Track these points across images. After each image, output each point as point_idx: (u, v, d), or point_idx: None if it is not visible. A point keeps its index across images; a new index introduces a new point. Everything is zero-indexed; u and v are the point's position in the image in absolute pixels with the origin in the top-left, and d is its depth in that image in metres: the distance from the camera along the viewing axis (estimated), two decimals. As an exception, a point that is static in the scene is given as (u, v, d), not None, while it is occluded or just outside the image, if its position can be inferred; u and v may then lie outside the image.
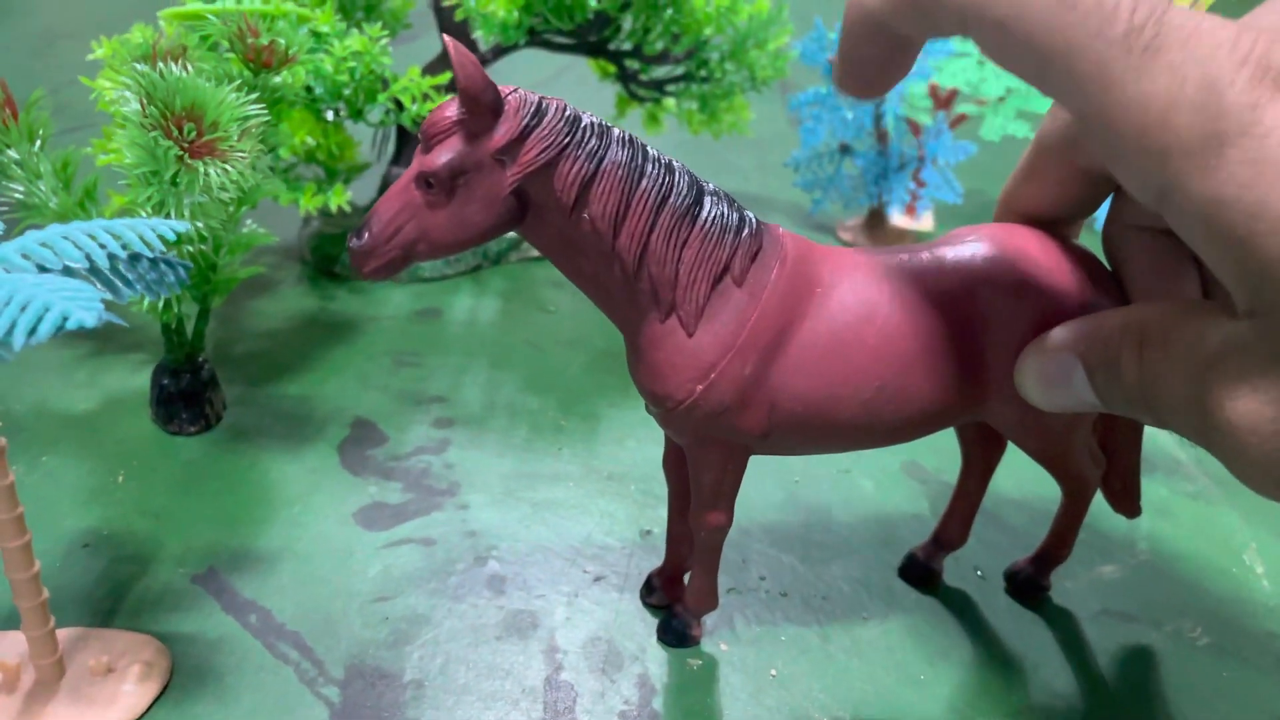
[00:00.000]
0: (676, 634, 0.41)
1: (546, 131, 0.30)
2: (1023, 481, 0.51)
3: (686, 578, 0.42)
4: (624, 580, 0.44)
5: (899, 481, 0.52)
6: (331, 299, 0.65)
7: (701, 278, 0.33)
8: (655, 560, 0.46)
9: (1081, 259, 0.35)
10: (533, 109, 0.30)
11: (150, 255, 0.34)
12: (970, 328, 0.34)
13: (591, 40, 0.66)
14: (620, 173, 0.31)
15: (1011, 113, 0.71)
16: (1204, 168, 0.23)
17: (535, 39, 0.65)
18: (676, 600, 0.41)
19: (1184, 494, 0.52)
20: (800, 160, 0.74)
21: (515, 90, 0.31)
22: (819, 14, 0.75)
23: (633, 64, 0.69)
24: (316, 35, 0.58)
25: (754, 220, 0.33)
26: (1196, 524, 0.50)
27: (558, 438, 0.54)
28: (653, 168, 0.32)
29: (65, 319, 0.27)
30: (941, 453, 0.53)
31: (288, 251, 0.68)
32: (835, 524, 0.49)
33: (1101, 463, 0.40)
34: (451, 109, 0.30)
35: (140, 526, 0.46)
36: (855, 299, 0.33)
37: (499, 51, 0.67)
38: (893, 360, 0.33)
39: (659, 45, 0.68)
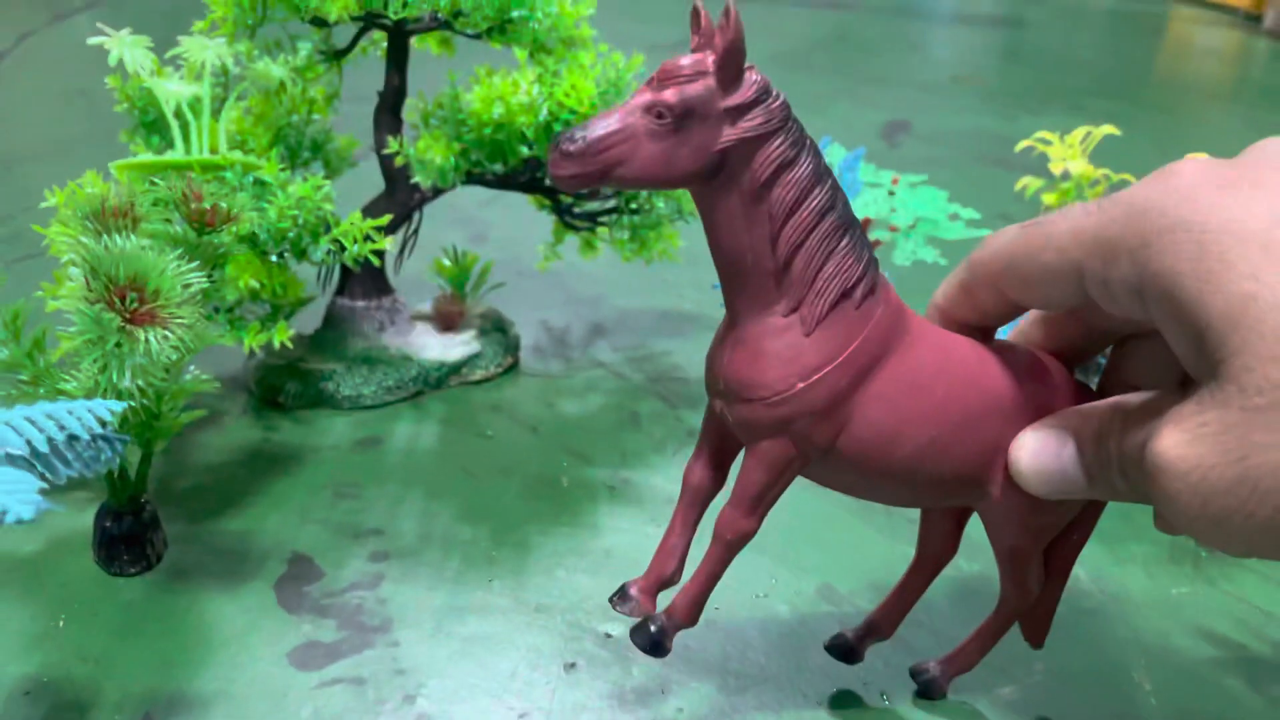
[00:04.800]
0: (653, 640, 0.41)
1: (775, 109, 0.34)
2: (930, 609, 0.54)
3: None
4: (546, 716, 0.47)
5: (813, 605, 0.54)
6: (275, 430, 0.67)
7: (834, 288, 0.36)
8: (578, 694, 0.48)
9: (1082, 387, 0.42)
10: (765, 85, 0.34)
11: (87, 436, 0.36)
12: (1008, 413, 0.39)
13: (524, 180, 0.70)
14: (808, 171, 0.35)
15: (921, 239, 0.76)
16: (1160, 250, 0.30)
17: (471, 179, 0.69)
18: (647, 614, 0.41)
19: (1081, 610, 0.55)
20: (727, 284, 0.78)
21: (751, 65, 0.35)
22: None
23: (566, 199, 0.73)
24: (260, 184, 0.62)
25: (877, 261, 0.38)
26: (1091, 641, 0.53)
27: (489, 569, 0.56)
28: (828, 179, 0.36)
29: (4, 513, 0.29)
30: (855, 576, 0.56)
31: (233, 382, 0.71)
32: (752, 651, 0.51)
33: (1039, 589, 0.44)
34: (699, 59, 0.34)
35: (80, 673, 0.48)
36: (933, 357, 0.39)
37: (438, 191, 0.71)
38: (950, 416, 0.38)
39: (590, 182, 0.72)
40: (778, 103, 0.35)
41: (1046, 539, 0.43)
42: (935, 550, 0.46)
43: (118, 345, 0.44)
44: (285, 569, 0.55)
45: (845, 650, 0.48)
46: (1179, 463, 0.29)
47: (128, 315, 0.44)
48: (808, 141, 0.36)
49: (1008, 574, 0.44)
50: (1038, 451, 0.37)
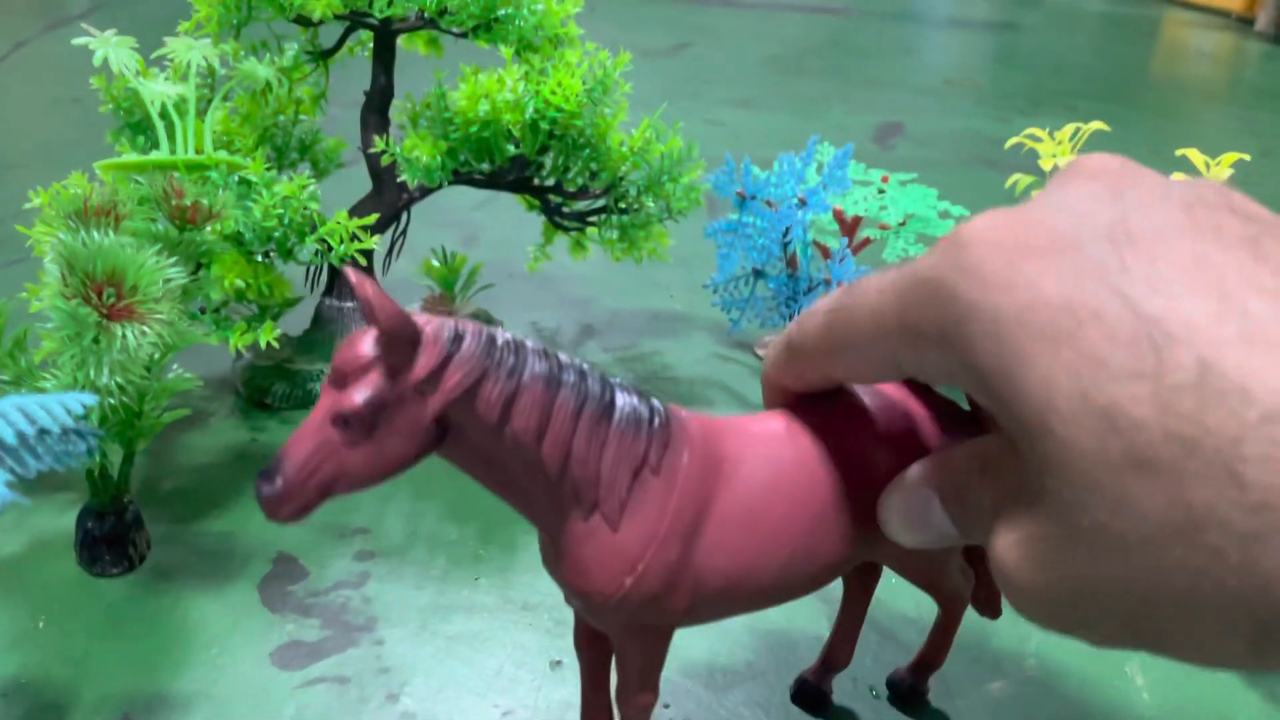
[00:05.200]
0: None
1: (466, 356, 0.31)
2: (918, 601, 0.53)
3: None
4: (532, 714, 0.46)
5: (803, 604, 0.54)
6: (262, 430, 0.67)
7: (622, 474, 0.33)
8: (564, 691, 0.47)
9: (943, 403, 0.38)
10: (451, 336, 0.31)
11: (58, 429, 0.36)
12: (859, 479, 0.36)
13: (513, 179, 0.70)
14: (540, 386, 0.32)
15: (911, 236, 0.75)
16: (960, 347, 0.26)
17: (459, 178, 0.69)
18: None
19: (1073, 606, 0.54)
20: (717, 283, 0.78)
21: (429, 319, 0.31)
22: (728, 149, 0.80)
23: (555, 199, 0.73)
24: (245, 183, 0.61)
25: (661, 409, 0.35)
26: (1083, 637, 0.52)
27: (476, 567, 0.55)
28: (568, 375, 0.33)
29: (-30, 504, 0.29)
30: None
31: (220, 384, 0.70)
32: (740, 649, 0.51)
33: (971, 577, 0.43)
34: (367, 345, 0.30)
35: (59, 674, 0.47)
36: (760, 471, 0.35)
37: (425, 191, 0.71)
38: (801, 523, 0.35)
39: (579, 182, 0.72)
40: (473, 348, 0.31)
41: (956, 552, 0.41)
42: (859, 582, 0.45)
43: (95, 341, 0.44)
44: (270, 569, 0.54)
45: (813, 695, 0.47)
46: (1015, 574, 0.26)
47: (105, 311, 0.43)
48: (525, 354, 0.32)
49: (932, 591, 0.43)
50: (904, 514, 0.33)
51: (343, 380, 0.30)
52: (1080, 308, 0.24)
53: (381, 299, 0.29)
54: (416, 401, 0.30)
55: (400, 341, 0.30)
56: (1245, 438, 0.21)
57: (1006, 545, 0.26)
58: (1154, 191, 0.26)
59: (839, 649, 0.46)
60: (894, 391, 0.37)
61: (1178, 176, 0.30)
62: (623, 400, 0.34)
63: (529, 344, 0.33)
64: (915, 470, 0.33)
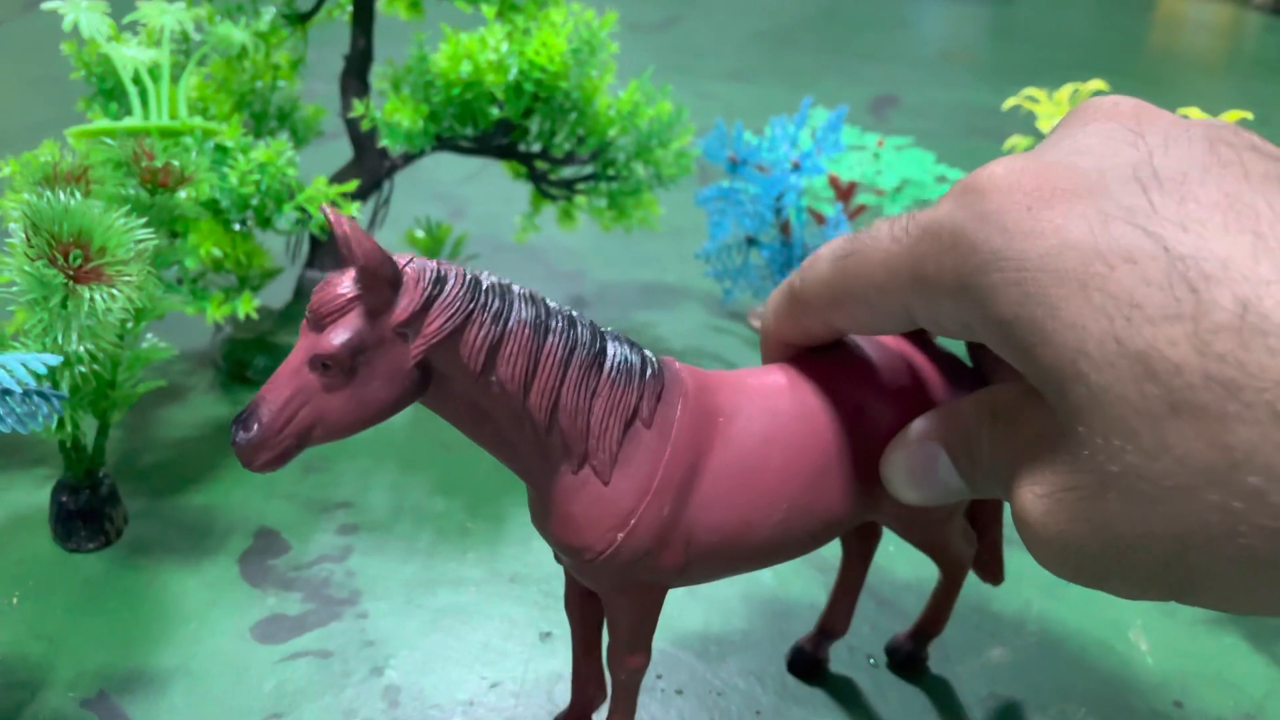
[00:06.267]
0: None
1: (450, 299, 0.29)
2: (917, 567, 0.52)
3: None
4: (520, 685, 0.45)
5: (799, 572, 0.52)
6: (242, 404, 0.65)
7: (613, 425, 0.32)
8: (553, 663, 0.46)
9: (945, 357, 0.37)
10: (433, 277, 0.29)
11: (19, 390, 0.34)
12: (861, 434, 0.34)
13: (498, 144, 0.68)
14: (527, 332, 0.31)
15: (908, 201, 0.74)
16: (981, 296, 0.25)
17: (443, 144, 0.67)
18: None
19: (1074, 572, 0.53)
20: (709, 252, 0.76)
21: (411, 259, 0.30)
22: (720, 115, 0.78)
23: (542, 165, 0.71)
24: (222, 149, 0.60)
25: (654, 359, 0.34)
26: (1084, 603, 0.51)
27: (463, 540, 0.54)
28: (556, 322, 0.31)
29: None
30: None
31: (200, 358, 0.69)
32: (734, 618, 0.49)
33: (973, 541, 0.42)
34: (345, 285, 0.29)
35: (33, 650, 0.46)
36: (756, 424, 0.34)
37: (408, 158, 0.69)
38: (799, 478, 0.34)
39: (566, 147, 0.70)
40: (456, 290, 0.30)
41: (955, 514, 0.39)
42: (858, 547, 0.43)
43: (63, 305, 0.42)
44: (250, 543, 0.53)
45: (809, 663, 0.46)
46: (1043, 528, 0.25)
47: (71, 272, 0.41)
48: (511, 298, 0.31)
49: (933, 554, 0.41)
50: (909, 469, 0.32)
51: (320, 322, 0.29)
52: (1110, 251, 0.23)
53: (359, 235, 0.28)
54: (397, 345, 0.29)
55: (379, 281, 0.28)
56: None
57: (1032, 498, 0.26)
58: (1175, 130, 0.26)
59: (836, 616, 0.45)
60: (895, 344, 0.36)
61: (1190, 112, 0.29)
62: (614, 349, 0.32)
63: (515, 288, 0.31)
64: (920, 424, 0.32)
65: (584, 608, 0.38)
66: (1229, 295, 0.21)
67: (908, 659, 0.46)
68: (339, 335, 0.28)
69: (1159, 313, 0.22)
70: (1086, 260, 0.23)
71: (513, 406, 0.31)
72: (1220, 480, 0.21)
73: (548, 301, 0.32)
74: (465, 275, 0.30)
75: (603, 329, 0.33)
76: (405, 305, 0.29)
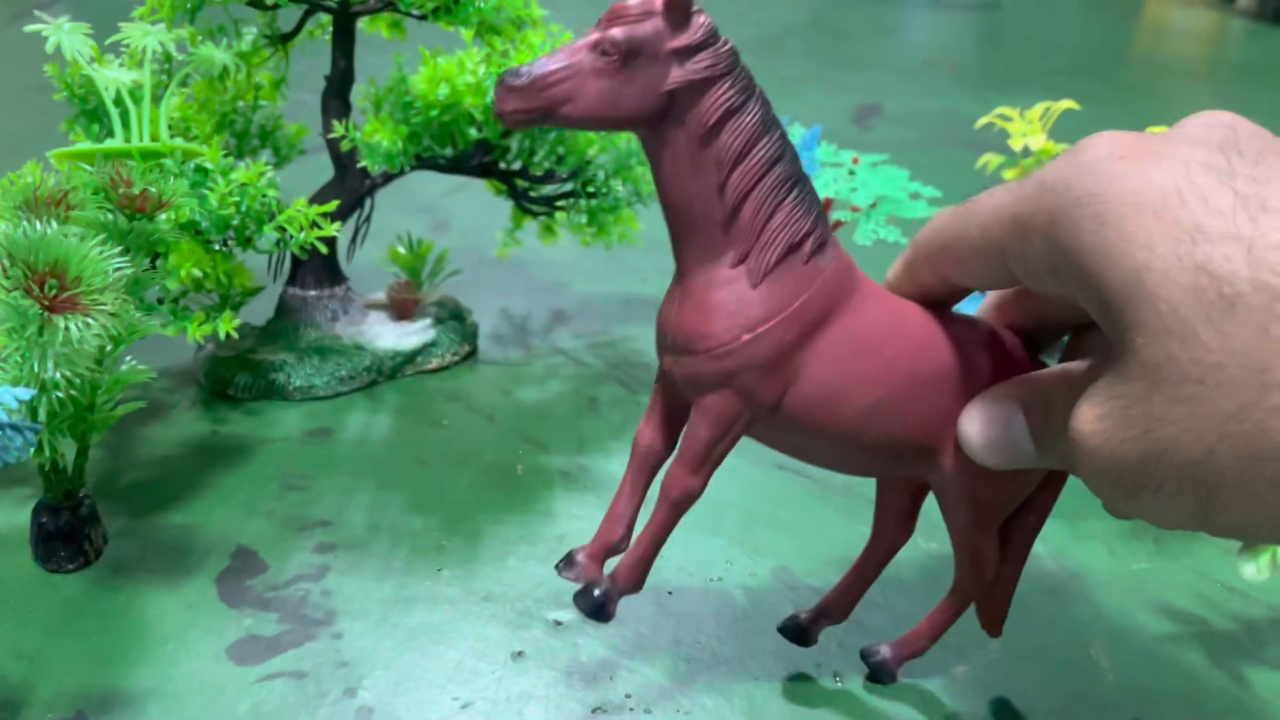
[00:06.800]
0: (596, 604, 0.39)
1: (721, 52, 0.34)
2: (890, 592, 0.53)
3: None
4: (492, 706, 0.46)
5: (769, 589, 0.53)
6: (224, 422, 0.66)
7: (782, 240, 0.36)
8: (524, 682, 0.47)
9: (1035, 357, 0.41)
10: (713, 28, 0.34)
11: (-8, 424, 0.35)
12: (958, 378, 0.38)
13: (478, 164, 0.69)
14: (756, 118, 0.35)
15: (882, 218, 0.75)
16: (1065, 226, 0.29)
17: (423, 164, 0.68)
18: (592, 580, 0.40)
19: (1040, 589, 0.54)
20: (688, 267, 0.77)
21: (702, 10, 0.34)
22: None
23: (522, 183, 0.72)
24: (202, 171, 0.60)
25: (826, 219, 0.38)
26: (1049, 618, 0.52)
27: (439, 559, 0.55)
28: (777, 129, 0.36)
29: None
30: (812, 558, 0.55)
31: (182, 376, 0.69)
32: (704, 635, 0.50)
33: (995, 567, 0.43)
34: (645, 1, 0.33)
35: (12, 670, 0.46)
36: (883, 317, 0.38)
37: (389, 177, 0.70)
38: (898, 378, 0.38)
39: (545, 166, 0.71)
40: (725, 47, 0.34)
41: (1001, 516, 0.42)
42: (891, 530, 0.45)
43: (39, 333, 0.43)
44: (228, 563, 0.54)
45: (798, 632, 0.48)
46: (1091, 438, 0.29)
47: (46, 302, 0.42)
48: (756, 90, 0.35)
49: (963, 554, 0.43)
50: (986, 421, 0.36)
51: (614, 21, 0.33)
52: (1187, 191, 0.27)
53: None
54: (664, 66, 0.34)
55: (679, 7, 0.33)
56: None
57: (1085, 414, 0.29)
58: (1262, 131, 0.30)
59: (841, 600, 0.46)
60: (1006, 335, 0.40)
61: None
62: (805, 186, 0.36)
63: (758, 86, 0.35)
64: (1003, 386, 0.37)
65: (652, 444, 0.40)
66: None
67: (880, 667, 0.46)
68: (627, 30, 0.33)
69: (1220, 234, 0.26)
70: (1165, 195, 0.27)
71: (715, 179, 0.35)
72: (1262, 375, 0.25)
73: (778, 117, 0.36)
74: (731, 44, 0.35)
75: (802, 169, 0.37)
76: (688, 36, 0.34)
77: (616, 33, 0.33)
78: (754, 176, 0.35)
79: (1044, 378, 0.35)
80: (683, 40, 0.34)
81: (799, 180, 0.36)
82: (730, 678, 0.48)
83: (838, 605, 0.47)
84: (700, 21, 0.34)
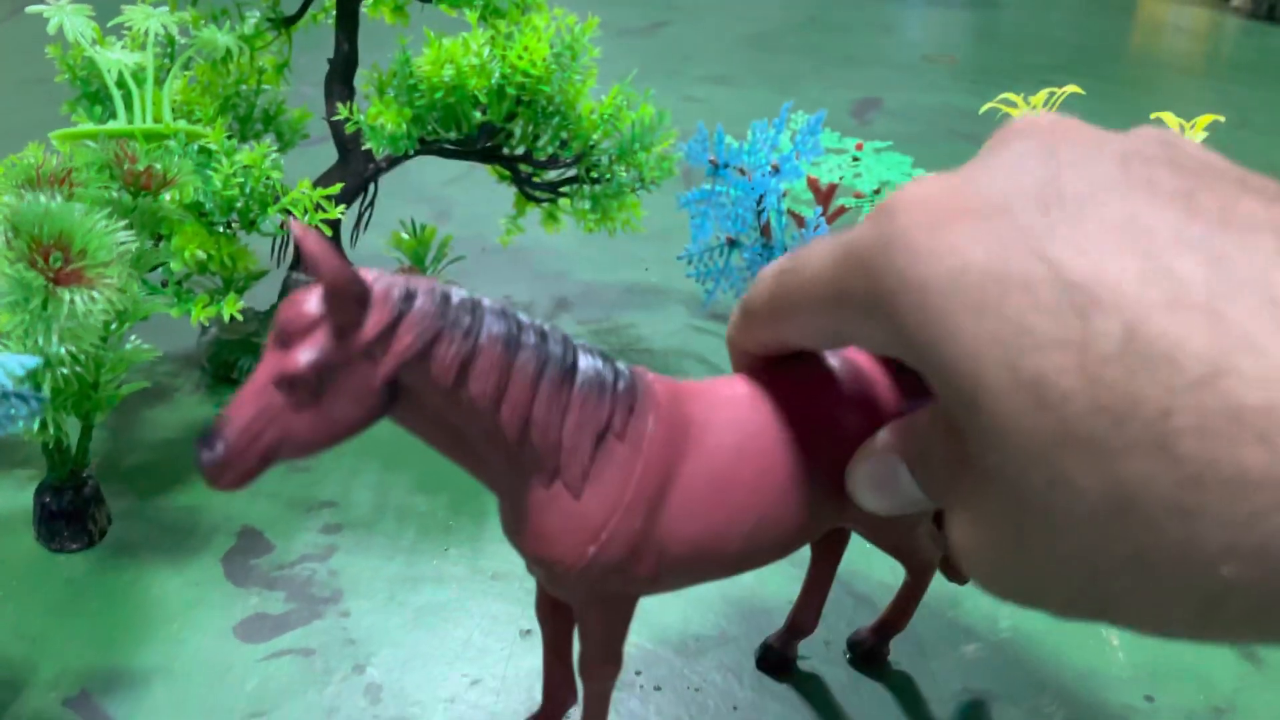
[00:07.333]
0: None
1: (419, 315, 0.29)
2: (895, 565, 0.53)
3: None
4: (501, 683, 0.45)
5: (777, 569, 0.53)
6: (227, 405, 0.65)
7: (585, 440, 0.32)
8: (534, 659, 0.47)
9: (909, 369, 0.37)
10: (402, 294, 0.29)
11: (-1, 391, 0.35)
12: (829, 444, 0.34)
13: (482, 148, 0.69)
14: (499, 348, 0.30)
15: (887, 204, 0.75)
16: (889, 317, 0.25)
17: (427, 148, 0.68)
18: None
19: (1049, 569, 0.54)
20: (692, 254, 0.77)
21: (379, 275, 0.29)
22: (705, 118, 0.79)
23: (525, 169, 0.72)
24: (206, 152, 0.60)
25: (626, 371, 0.33)
26: (1058, 598, 0.52)
27: (445, 538, 0.54)
28: (528, 337, 0.31)
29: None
30: (819, 538, 0.55)
31: (185, 359, 0.69)
32: (712, 614, 0.50)
33: (940, 543, 0.42)
34: (312, 304, 0.28)
35: (16, 650, 0.46)
36: (728, 437, 0.34)
37: (393, 161, 0.69)
38: (769, 491, 0.34)
39: (549, 151, 0.71)
40: (426, 304, 0.29)
41: (926, 517, 0.40)
42: (826, 550, 0.44)
43: (43, 307, 0.43)
44: (234, 543, 0.53)
45: (778, 661, 0.47)
46: (971, 552, 0.25)
47: (52, 275, 0.42)
48: (481, 313, 0.30)
49: (901, 558, 0.42)
50: (873, 481, 0.32)
51: (286, 340, 0.28)
52: (1005, 276, 0.22)
53: (326, 253, 0.27)
54: (366, 364, 0.28)
55: (347, 299, 0.28)
56: (1174, 407, 0.20)
57: (960, 524, 0.26)
58: (1088, 147, 0.25)
59: (805, 614, 0.45)
60: (859, 355, 0.36)
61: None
62: (586, 363, 0.32)
63: (486, 302, 0.31)
64: (882, 436, 0.32)
65: (555, 614, 0.39)
66: (1116, 322, 0.21)
67: (869, 653, 0.47)
68: (305, 355, 0.28)
69: (1049, 339, 0.21)
70: (983, 285, 0.23)
71: (484, 422, 0.31)
72: (1119, 513, 0.21)
73: (520, 316, 0.32)
74: (435, 291, 0.30)
75: (575, 341, 0.33)
76: (374, 323, 0.28)
77: (293, 367, 0.28)
78: (525, 401, 0.31)
79: (919, 425, 0.30)
80: (373, 329, 0.28)
81: (574, 366, 0.32)
82: (740, 656, 0.47)
83: (804, 620, 0.46)
84: (379, 296, 0.28)
